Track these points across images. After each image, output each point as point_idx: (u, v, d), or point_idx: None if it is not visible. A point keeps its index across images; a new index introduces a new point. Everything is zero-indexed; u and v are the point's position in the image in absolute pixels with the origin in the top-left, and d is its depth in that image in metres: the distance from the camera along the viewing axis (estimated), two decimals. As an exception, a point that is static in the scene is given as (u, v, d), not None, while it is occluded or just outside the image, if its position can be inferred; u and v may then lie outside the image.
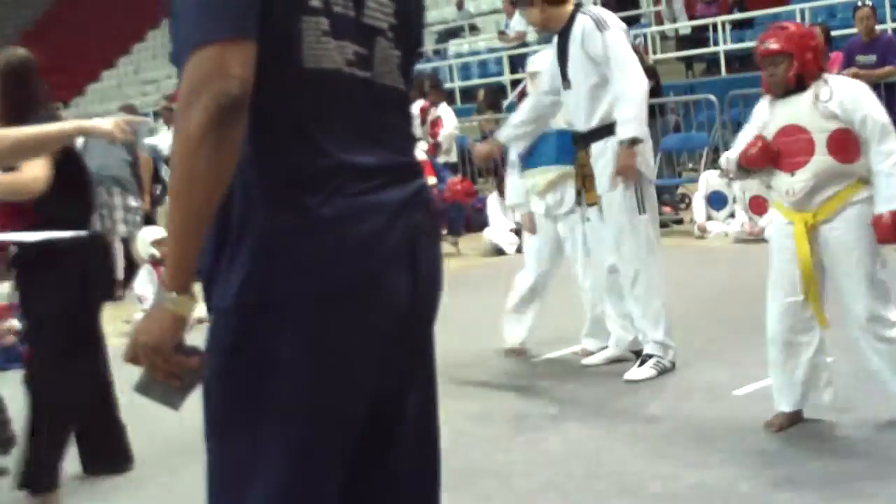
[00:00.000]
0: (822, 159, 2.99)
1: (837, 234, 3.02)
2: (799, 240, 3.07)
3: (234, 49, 1.32)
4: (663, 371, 3.91)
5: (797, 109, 3.02)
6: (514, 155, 4.47)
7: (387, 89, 1.51)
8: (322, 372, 1.40)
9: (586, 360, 4.20)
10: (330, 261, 1.38)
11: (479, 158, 4.78)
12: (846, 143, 2.98)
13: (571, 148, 4.16)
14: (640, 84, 3.79)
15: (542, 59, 4.35)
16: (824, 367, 3.13)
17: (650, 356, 3.92)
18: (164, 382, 1.33)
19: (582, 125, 3.94)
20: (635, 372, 3.91)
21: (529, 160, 4.35)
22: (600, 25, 3.81)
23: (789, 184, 3.05)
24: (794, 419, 3.18)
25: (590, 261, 4.26)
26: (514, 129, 4.23)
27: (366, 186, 1.43)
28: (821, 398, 3.13)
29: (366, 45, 1.48)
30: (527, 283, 4.40)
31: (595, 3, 14.75)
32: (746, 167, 3.20)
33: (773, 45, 3.04)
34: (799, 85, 3.02)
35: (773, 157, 3.09)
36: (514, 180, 4.47)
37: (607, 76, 3.80)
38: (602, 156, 3.90)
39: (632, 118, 3.75)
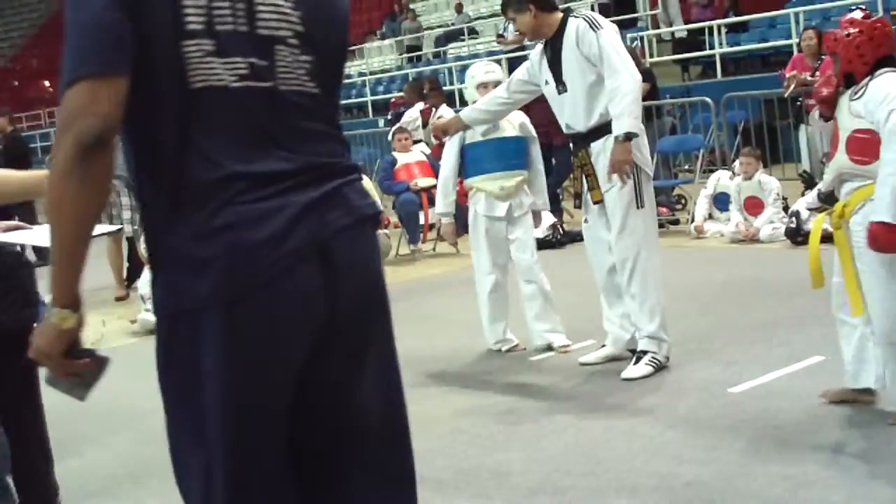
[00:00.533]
0: (840, 157, 3.06)
1: (855, 228, 3.08)
2: (814, 227, 3.18)
3: (101, 86, 1.40)
4: (659, 367, 3.95)
5: (841, 104, 3.10)
6: (447, 163, 4.57)
7: (294, 95, 1.55)
8: (236, 373, 1.47)
9: (583, 359, 4.24)
10: (225, 268, 1.45)
11: (435, 129, 4.94)
12: (863, 144, 2.99)
13: (521, 154, 4.53)
14: (632, 80, 3.84)
15: (490, 69, 4.68)
16: (870, 349, 3.14)
17: (644, 353, 3.97)
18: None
19: (581, 125, 4.00)
20: (631, 370, 3.95)
21: (476, 167, 4.52)
22: (594, 26, 3.89)
23: (825, 173, 3.19)
24: (843, 396, 3.27)
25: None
26: (477, 113, 4.44)
27: (263, 193, 1.47)
28: (868, 379, 3.17)
29: (265, 56, 1.52)
30: (487, 288, 4.54)
31: (593, 7, 14.86)
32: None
33: (828, 43, 3.16)
34: (849, 82, 3.07)
35: (822, 99, 3.22)
36: (448, 190, 4.57)
37: (603, 75, 3.86)
38: (602, 153, 3.96)
39: (625, 114, 3.81)
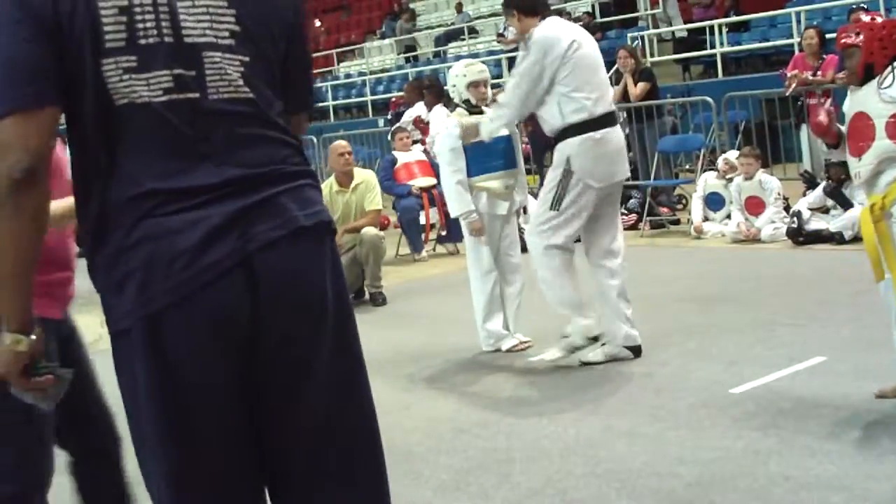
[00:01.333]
0: (881, 143, 3.10)
1: None
2: (863, 221, 3.19)
3: (28, 120, 1.42)
4: (573, 350, 4.18)
5: (865, 97, 3.17)
6: (455, 165, 4.54)
7: (226, 103, 1.51)
8: (162, 385, 1.47)
9: (583, 358, 4.24)
10: (141, 282, 1.45)
11: None
12: None
13: (514, 151, 4.66)
14: (497, 113, 4.27)
15: (481, 67, 4.78)
16: None
17: (566, 336, 4.20)
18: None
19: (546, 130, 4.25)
20: (549, 353, 4.24)
21: (481, 166, 4.55)
22: (526, 44, 4.08)
23: (857, 167, 3.21)
24: None
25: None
26: None
27: (183, 205, 1.45)
28: None
29: (193, 66, 1.49)
30: (489, 286, 4.57)
31: (593, 7, 14.85)
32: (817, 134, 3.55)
33: (844, 40, 3.23)
34: (869, 75, 3.16)
35: (824, 129, 3.48)
36: (460, 190, 4.53)
37: (547, 88, 4.06)
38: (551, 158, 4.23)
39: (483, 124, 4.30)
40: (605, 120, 4.09)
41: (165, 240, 1.44)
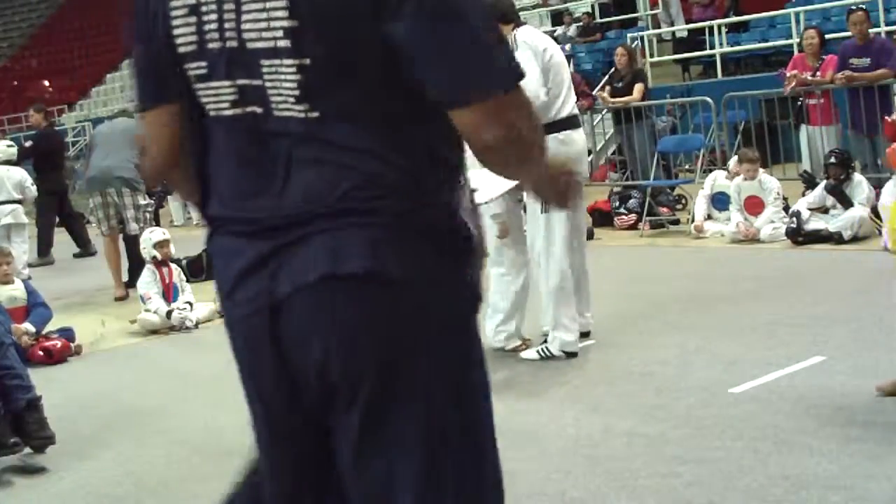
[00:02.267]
0: None
1: None
2: (892, 214, 3.20)
3: (144, 122, 1.47)
4: (544, 358, 4.32)
5: None
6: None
7: (284, 121, 1.29)
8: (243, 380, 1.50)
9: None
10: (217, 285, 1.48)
11: None
12: None
13: None
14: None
15: None
16: None
17: (544, 341, 4.38)
18: None
19: None
20: (527, 352, 4.40)
21: None
22: (514, 46, 4.21)
23: None
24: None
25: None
26: None
27: (241, 229, 1.37)
28: None
29: (256, 75, 1.28)
30: (519, 283, 4.53)
31: (593, 7, 14.84)
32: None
33: None
34: None
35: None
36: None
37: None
38: None
39: None
40: (568, 122, 4.29)
41: (222, 261, 1.43)
